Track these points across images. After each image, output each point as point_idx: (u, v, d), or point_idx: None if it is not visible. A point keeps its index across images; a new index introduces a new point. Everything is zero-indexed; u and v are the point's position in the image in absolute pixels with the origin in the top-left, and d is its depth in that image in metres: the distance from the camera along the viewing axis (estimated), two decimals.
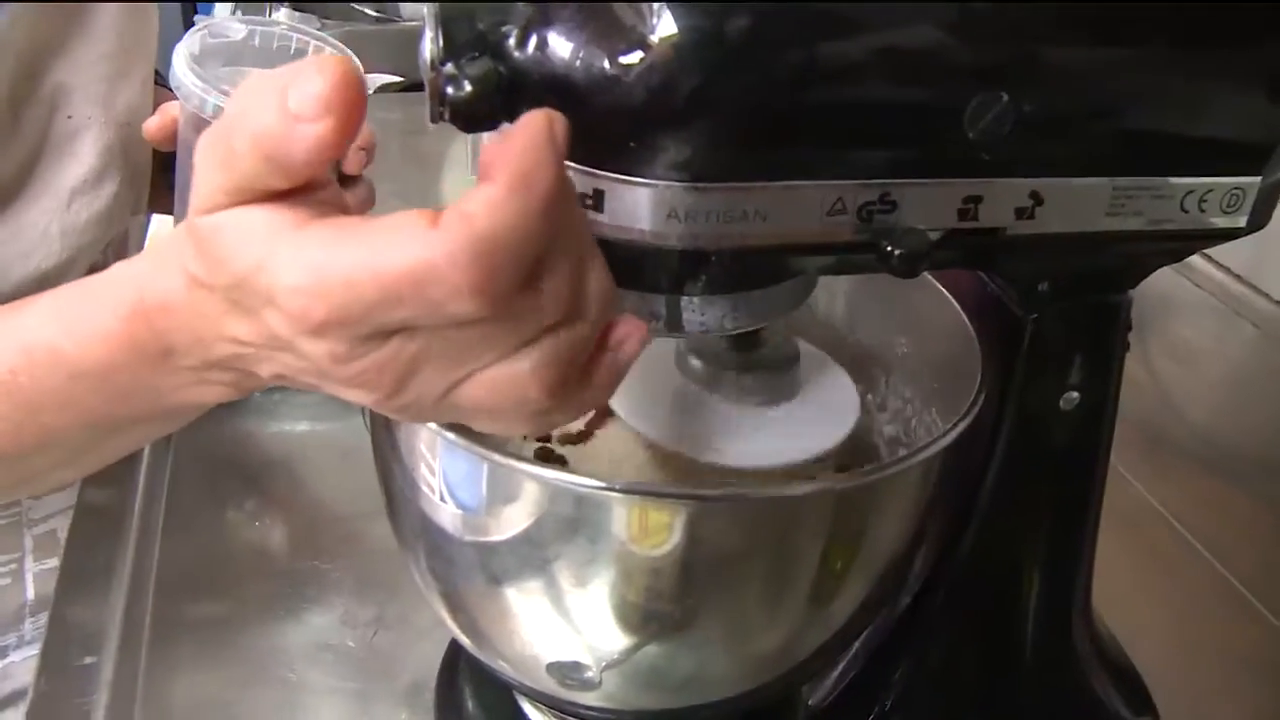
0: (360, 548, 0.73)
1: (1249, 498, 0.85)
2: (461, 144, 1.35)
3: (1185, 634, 0.76)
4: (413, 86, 1.74)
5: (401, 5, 1.92)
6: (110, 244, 0.73)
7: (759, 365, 0.48)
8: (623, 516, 0.41)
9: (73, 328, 0.41)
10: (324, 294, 0.31)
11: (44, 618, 0.68)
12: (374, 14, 1.91)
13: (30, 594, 0.75)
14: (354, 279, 0.31)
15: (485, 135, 0.45)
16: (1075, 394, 0.51)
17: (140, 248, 0.81)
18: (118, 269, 0.41)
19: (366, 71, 1.91)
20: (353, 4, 1.91)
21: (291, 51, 0.56)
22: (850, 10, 0.38)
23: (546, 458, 0.58)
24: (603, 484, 0.40)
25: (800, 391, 0.50)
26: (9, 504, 0.75)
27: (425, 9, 0.41)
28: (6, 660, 0.76)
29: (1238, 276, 0.87)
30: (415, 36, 0.41)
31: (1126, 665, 0.63)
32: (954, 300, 0.52)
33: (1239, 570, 0.80)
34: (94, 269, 0.74)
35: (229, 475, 0.80)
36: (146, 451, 0.77)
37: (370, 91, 1.48)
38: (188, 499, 0.77)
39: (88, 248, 0.71)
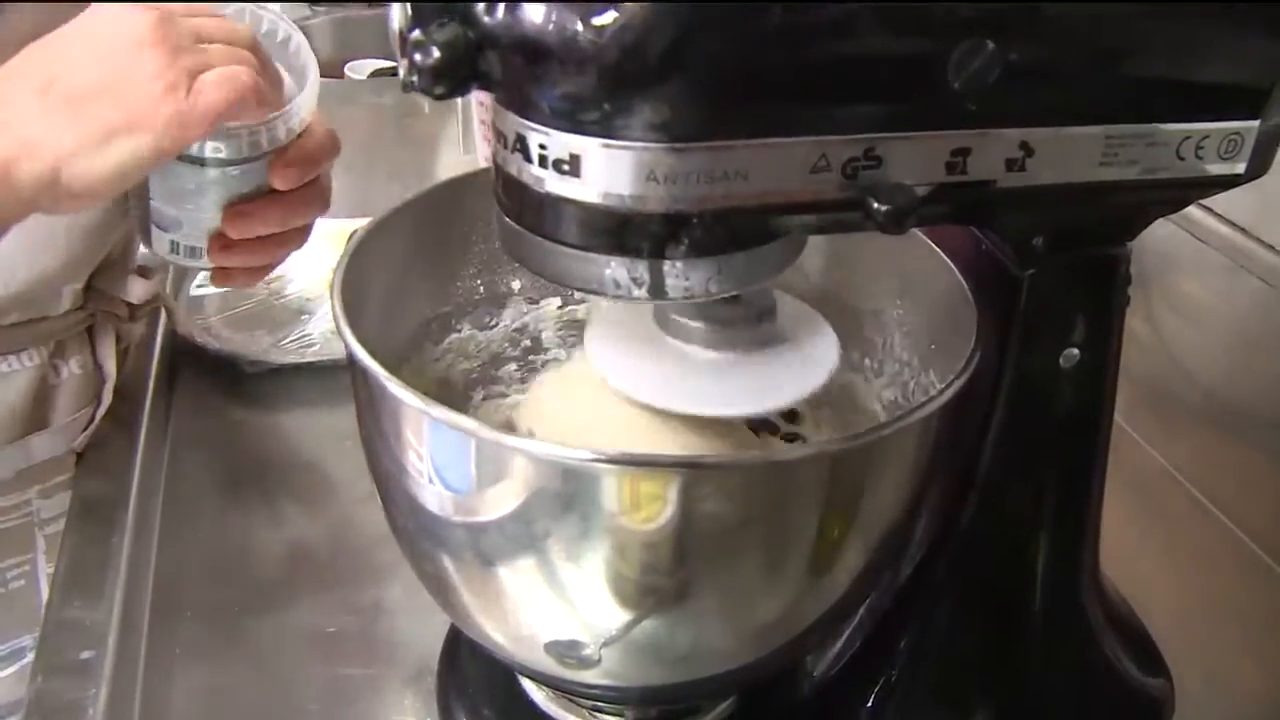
0: (357, 532, 0.72)
1: (1259, 455, 0.83)
2: (455, 125, 1.33)
3: (1197, 593, 0.75)
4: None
5: None
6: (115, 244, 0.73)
7: (735, 317, 0.48)
8: (613, 488, 0.40)
9: None
10: None
11: None
12: None
13: (45, 594, 0.75)
14: None
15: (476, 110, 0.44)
16: (1075, 351, 0.50)
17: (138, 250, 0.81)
18: None
19: (359, 57, 1.87)
20: None
21: (263, 32, 0.55)
22: None
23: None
24: (591, 455, 0.39)
25: (779, 340, 0.49)
26: (19, 505, 0.75)
27: None
28: (25, 660, 0.76)
29: (1242, 230, 0.85)
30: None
31: (1137, 627, 0.62)
32: (949, 260, 0.51)
33: (1251, 528, 0.79)
34: (103, 265, 0.74)
35: (225, 464, 0.80)
36: (142, 443, 0.77)
37: (364, 77, 1.46)
38: (184, 489, 0.76)
39: (93, 249, 0.71)
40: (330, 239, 0.66)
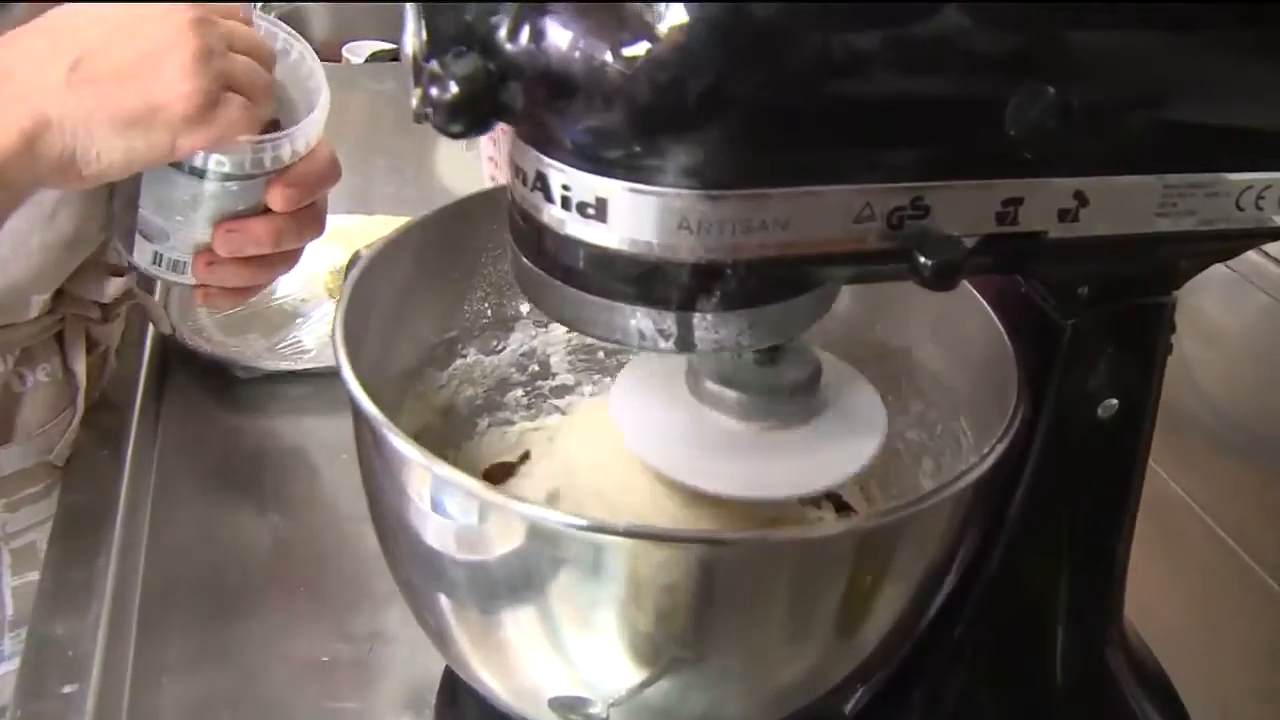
0: (355, 553, 0.69)
1: (1259, 475, 0.81)
2: None
3: (1213, 630, 0.73)
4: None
5: None
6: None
7: (776, 386, 0.44)
8: (627, 561, 0.37)
9: None
10: None
11: (24, 632, 0.64)
12: None
13: (9, 609, 0.73)
14: None
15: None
16: (1114, 401, 0.47)
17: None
18: None
19: (356, 39, 1.83)
20: None
21: (276, 49, 0.54)
22: None
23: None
24: (606, 526, 0.36)
25: (821, 410, 0.46)
26: None
27: None
28: None
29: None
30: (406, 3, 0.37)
31: (1159, 674, 0.60)
32: (985, 301, 0.48)
33: (1267, 561, 0.77)
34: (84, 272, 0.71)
35: (215, 476, 0.77)
36: (130, 453, 0.74)
37: (361, 60, 1.43)
38: (172, 504, 0.73)
39: (66, 260, 0.68)
40: (326, 236, 0.63)
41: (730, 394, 0.44)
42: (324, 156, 0.54)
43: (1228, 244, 0.43)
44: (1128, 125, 0.38)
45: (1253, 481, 0.82)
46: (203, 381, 0.83)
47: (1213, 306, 0.86)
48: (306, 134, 0.52)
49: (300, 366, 0.83)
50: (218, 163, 0.51)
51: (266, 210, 0.53)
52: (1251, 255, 0.82)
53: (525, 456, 0.59)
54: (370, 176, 1.18)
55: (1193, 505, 0.82)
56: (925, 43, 0.35)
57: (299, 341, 0.85)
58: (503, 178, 0.95)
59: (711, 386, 0.44)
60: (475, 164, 1.05)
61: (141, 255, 0.55)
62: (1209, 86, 0.39)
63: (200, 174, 0.51)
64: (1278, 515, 0.79)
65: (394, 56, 1.73)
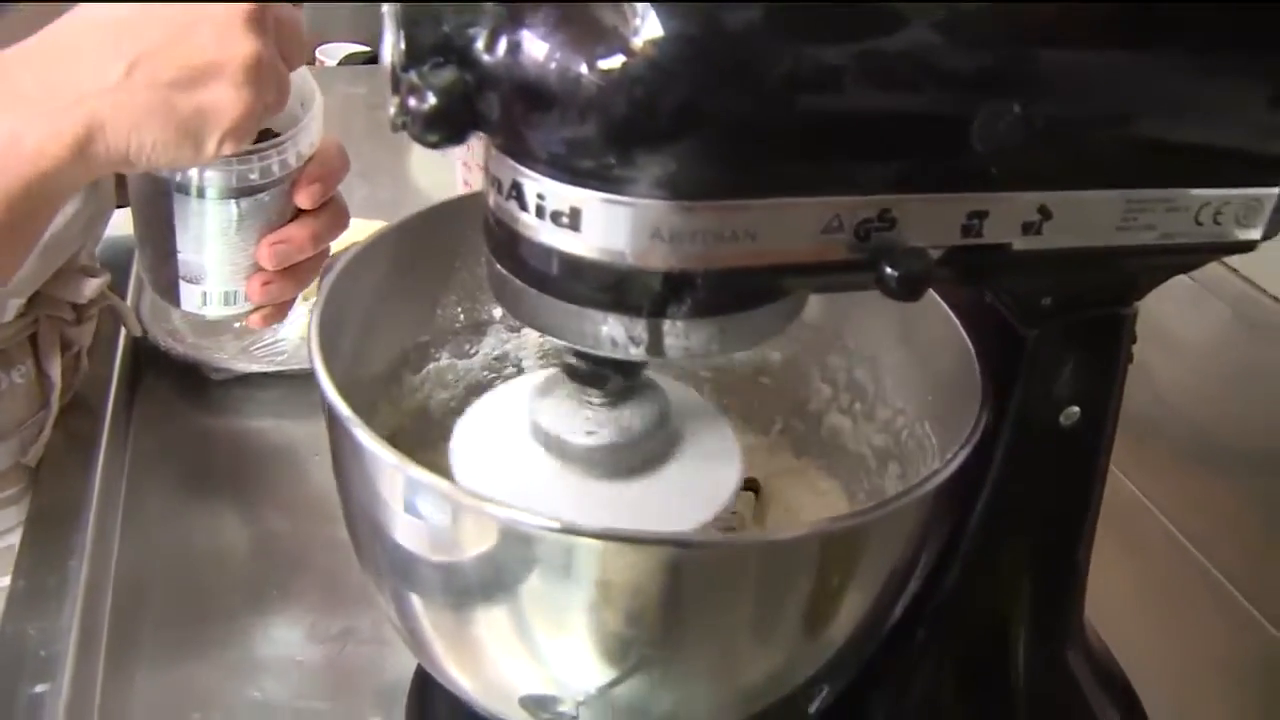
0: (328, 553, 0.70)
1: (1236, 492, 0.83)
2: None
3: (1174, 634, 0.74)
4: (378, 58, 1.68)
5: None
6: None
7: (625, 431, 0.45)
8: (599, 562, 0.38)
9: None
10: None
11: None
12: None
13: None
14: None
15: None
16: (1076, 409, 0.48)
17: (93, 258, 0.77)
18: None
19: (330, 40, 1.82)
20: None
21: None
22: (853, 13, 0.35)
23: None
24: (578, 528, 0.37)
25: (675, 452, 0.47)
26: None
27: (385, 8, 0.37)
28: None
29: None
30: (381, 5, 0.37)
31: (1119, 676, 0.61)
32: (954, 316, 0.49)
33: (1229, 568, 0.78)
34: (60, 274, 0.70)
35: (188, 479, 0.77)
36: (102, 456, 0.74)
37: (334, 63, 1.42)
38: (144, 506, 0.73)
39: (46, 266, 0.67)
40: None
41: (578, 445, 0.44)
42: (332, 146, 0.54)
43: (1185, 258, 0.45)
44: (1092, 141, 0.40)
45: (1214, 488, 0.84)
46: (175, 383, 0.83)
47: (1175, 317, 0.88)
48: (316, 125, 0.52)
49: (273, 368, 0.83)
50: (242, 176, 0.50)
51: (296, 216, 0.53)
52: (1213, 266, 0.83)
53: None
54: (344, 180, 1.18)
55: (1155, 511, 0.83)
56: (896, 60, 0.36)
57: (272, 343, 0.85)
58: (477, 182, 0.96)
59: (559, 439, 0.45)
60: (448, 167, 1.06)
61: (190, 300, 0.55)
62: (1172, 105, 0.40)
63: (237, 194, 0.51)
64: (1238, 522, 0.81)
65: (368, 59, 1.73)
